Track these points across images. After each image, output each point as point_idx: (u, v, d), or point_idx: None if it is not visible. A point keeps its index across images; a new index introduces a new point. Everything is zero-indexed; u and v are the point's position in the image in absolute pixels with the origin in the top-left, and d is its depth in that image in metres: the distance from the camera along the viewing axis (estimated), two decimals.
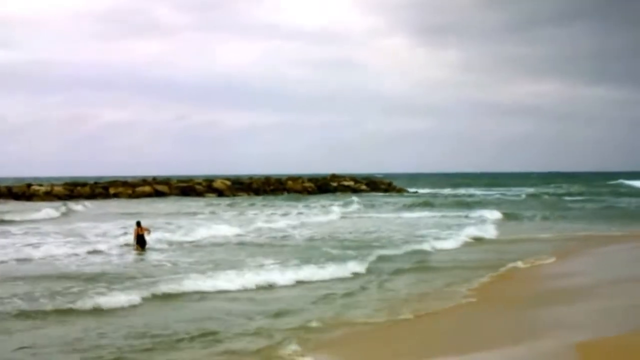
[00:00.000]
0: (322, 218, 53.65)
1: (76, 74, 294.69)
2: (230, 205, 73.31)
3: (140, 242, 33.40)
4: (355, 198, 79.21)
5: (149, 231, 34.50)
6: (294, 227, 45.08)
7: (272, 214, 58.79)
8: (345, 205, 68.49)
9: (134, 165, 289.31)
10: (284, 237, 39.25)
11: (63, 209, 61.09)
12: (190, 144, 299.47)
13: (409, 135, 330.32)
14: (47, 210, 57.88)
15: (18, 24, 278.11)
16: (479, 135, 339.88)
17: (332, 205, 67.79)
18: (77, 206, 65.97)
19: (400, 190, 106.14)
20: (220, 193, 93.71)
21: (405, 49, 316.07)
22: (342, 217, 55.48)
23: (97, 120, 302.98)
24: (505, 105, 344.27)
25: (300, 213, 59.59)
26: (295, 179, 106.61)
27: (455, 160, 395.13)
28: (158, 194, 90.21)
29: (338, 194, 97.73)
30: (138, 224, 34.21)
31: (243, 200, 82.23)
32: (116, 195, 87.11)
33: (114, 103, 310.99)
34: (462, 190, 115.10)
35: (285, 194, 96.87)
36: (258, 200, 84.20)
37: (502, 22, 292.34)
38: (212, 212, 61.12)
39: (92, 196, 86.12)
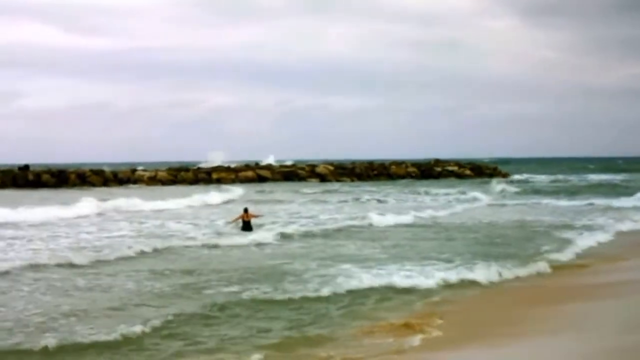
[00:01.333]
0: (468, 205, 50.83)
1: (181, 59, 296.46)
2: (340, 191, 70.74)
3: (246, 228, 33.02)
4: (500, 184, 75.82)
5: (256, 217, 34.65)
6: (451, 216, 42.73)
7: (400, 200, 56.42)
8: (485, 192, 64.55)
9: (238, 150, 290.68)
10: (461, 226, 36.45)
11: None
12: (293, 128, 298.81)
13: (516, 119, 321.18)
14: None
15: (122, 12, 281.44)
16: (590, 118, 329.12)
17: (459, 192, 64.81)
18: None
19: (505, 175, 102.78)
20: (322, 178, 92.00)
21: (513, 30, 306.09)
22: (489, 205, 52.08)
23: (202, 106, 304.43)
24: (616, 87, 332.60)
25: (434, 200, 57.68)
26: (398, 163, 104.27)
27: (564, 144, 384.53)
28: (260, 179, 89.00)
29: (442, 179, 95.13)
30: (245, 210, 34.20)
31: (353, 187, 79.89)
32: (219, 181, 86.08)
33: (219, 88, 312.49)
34: (591, 176, 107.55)
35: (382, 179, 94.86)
36: (368, 185, 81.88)
37: (613, 2, 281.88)
38: (343, 201, 57.65)
39: (194, 181, 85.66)
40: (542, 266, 22.85)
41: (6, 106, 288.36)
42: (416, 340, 14.17)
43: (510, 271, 21.86)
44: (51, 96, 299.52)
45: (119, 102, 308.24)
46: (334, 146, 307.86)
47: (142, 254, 25.80)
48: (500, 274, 21.35)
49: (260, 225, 34.81)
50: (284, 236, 31.04)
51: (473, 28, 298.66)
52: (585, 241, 29.22)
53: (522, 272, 22.01)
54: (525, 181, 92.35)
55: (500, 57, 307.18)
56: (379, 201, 56.89)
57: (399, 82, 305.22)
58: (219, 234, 32.65)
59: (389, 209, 46.26)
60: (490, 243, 29.13)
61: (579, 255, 26.02)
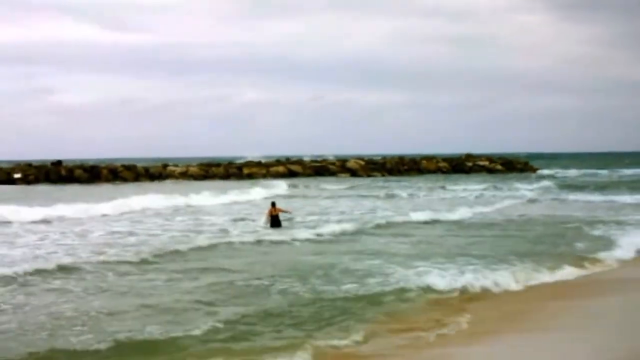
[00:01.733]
0: (510, 201, 49.18)
1: (216, 55, 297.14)
2: (373, 186, 69.96)
3: (275, 223, 32.60)
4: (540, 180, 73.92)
5: (285, 212, 34.04)
6: (499, 211, 41.85)
7: (443, 198, 54.62)
8: (525, 187, 63.45)
9: (272, 144, 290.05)
10: (523, 222, 35.46)
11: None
12: (325, 123, 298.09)
13: (548, 113, 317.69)
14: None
15: (156, 8, 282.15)
16: (621, 113, 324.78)
17: (494, 187, 64.21)
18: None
19: (535, 170, 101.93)
20: (353, 173, 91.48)
21: (545, 24, 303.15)
22: (530, 201, 50.57)
23: (234, 101, 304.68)
24: None
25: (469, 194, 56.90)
26: (429, 158, 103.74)
27: (595, 138, 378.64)
28: (291, 173, 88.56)
29: (473, 174, 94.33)
30: (273, 204, 33.62)
31: (386, 181, 79.18)
32: (250, 176, 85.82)
33: (252, 84, 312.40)
34: (627, 171, 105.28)
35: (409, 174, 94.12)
36: (400, 180, 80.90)
37: None
38: (389, 195, 57.13)
39: (226, 176, 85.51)
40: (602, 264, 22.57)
41: (40, 102, 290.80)
42: (445, 332, 14.43)
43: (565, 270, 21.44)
44: (84, 92, 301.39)
45: (152, 98, 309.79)
46: (365, 141, 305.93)
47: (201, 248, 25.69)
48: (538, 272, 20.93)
49: (293, 221, 34.56)
50: (334, 233, 30.34)
51: (505, 23, 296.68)
52: None
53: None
54: (563, 176, 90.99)
55: (532, 51, 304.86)
56: (412, 196, 56.31)
57: (430, 77, 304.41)
58: (255, 230, 32.06)
59: (427, 205, 45.47)
60: (551, 242, 28.01)
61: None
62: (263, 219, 33.52)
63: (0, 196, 53.72)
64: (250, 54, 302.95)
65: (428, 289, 18.35)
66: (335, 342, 13.57)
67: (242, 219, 36.69)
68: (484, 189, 63.38)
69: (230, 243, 27.05)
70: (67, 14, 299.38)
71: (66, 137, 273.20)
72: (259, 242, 27.53)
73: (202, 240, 27.33)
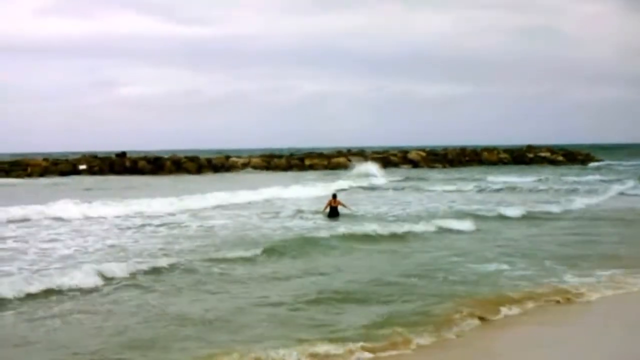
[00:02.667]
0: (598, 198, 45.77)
1: (276, 47, 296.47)
2: (449, 178, 66.78)
3: (333, 213, 32.73)
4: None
5: (345, 206, 33.57)
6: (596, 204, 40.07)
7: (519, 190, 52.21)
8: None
9: (332, 136, 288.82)
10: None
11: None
12: (385, 115, 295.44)
13: (612, 105, 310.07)
14: None
15: (218, 1, 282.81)
16: None
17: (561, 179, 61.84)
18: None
19: (598, 162, 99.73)
20: (415, 164, 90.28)
21: (609, 14, 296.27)
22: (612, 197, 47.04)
23: (295, 93, 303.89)
24: None
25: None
26: (490, 150, 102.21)
27: None
28: None
29: (534, 165, 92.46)
30: (334, 196, 33.98)
31: (447, 173, 77.82)
32: (311, 167, 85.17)
33: (312, 75, 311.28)
34: None
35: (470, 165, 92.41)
36: (460, 171, 79.63)
37: None
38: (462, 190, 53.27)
39: (288, 168, 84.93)
40: None
41: (104, 95, 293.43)
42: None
43: None
44: (147, 84, 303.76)
45: (213, 90, 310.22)
46: (425, 133, 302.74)
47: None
48: None
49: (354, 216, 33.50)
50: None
51: (568, 13, 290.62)
52: None
53: None
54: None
55: (595, 42, 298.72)
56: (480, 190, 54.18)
57: (492, 68, 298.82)
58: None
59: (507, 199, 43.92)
60: None
61: None
62: (324, 211, 33.34)
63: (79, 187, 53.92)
64: (310, 46, 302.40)
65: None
66: None
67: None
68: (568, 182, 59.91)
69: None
70: (129, 7, 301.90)
71: (129, 129, 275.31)
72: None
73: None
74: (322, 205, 34.37)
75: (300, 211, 35.25)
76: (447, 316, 14.29)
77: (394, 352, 12.24)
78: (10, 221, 30.70)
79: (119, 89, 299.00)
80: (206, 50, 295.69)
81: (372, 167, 70.97)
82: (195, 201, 39.06)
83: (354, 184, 56.97)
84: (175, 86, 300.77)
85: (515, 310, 15.20)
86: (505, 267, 20.01)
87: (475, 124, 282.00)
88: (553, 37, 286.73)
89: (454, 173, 76.75)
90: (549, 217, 33.90)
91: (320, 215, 32.89)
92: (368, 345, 12.32)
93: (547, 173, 72.70)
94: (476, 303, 15.35)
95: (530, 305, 15.65)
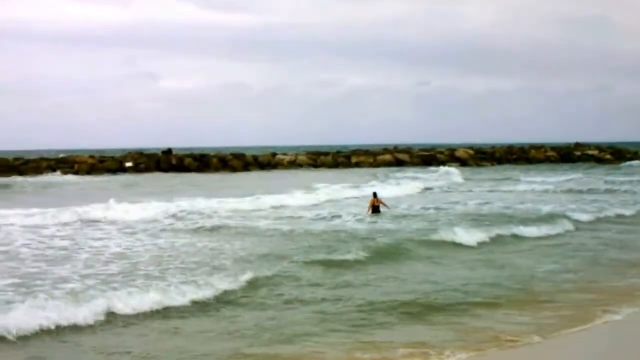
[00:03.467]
0: None
1: (319, 39, 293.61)
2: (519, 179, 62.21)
3: (375, 211, 32.86)
4: None
5: (385, 206, 33.67)
6: None
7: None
8: None
9: (377, 131, 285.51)
10: None
11: None
12: (430, 110, 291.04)
13: None
14: None
15: None
16: None
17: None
18: None
19: None
20: (462, 162, 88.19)
21: None
22: None
23: (339, 86, 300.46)
24: None
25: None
26: (538, 147, 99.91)
27: None
28: (399, 162, 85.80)
29: (580, 163, 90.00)
30: (374, 194, 34.27)
31: (498, 171, 75.66)
32: (357, 164, 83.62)
33: (357, 68, 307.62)
34: None
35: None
36: (513, 169, 77.36)
37: None
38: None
39: (334, 165, 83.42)
40: None
41: (148, 88, 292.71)
42: None
43: None
44: (188, 77, 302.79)
45: (257, 83, 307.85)
46: (471, 128, 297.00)
47: None
48: None
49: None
50: None
51: (622, 3, 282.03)
52: None
53: None
54: None
55: None
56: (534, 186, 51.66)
57: (541, 61, 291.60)
58: None
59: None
60: None
61: None
62: (367, 209, 33.26)
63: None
64: (354, 38, 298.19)
65: None
66: None
67: None
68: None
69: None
70: None
71: (172, 124, 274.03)
72: None
73: None
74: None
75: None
76: None
77: None
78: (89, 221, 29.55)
79: (159, 82, 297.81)
80: (247, 41, 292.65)
81: (451, 168, 69.89)
82: (271, 199, 38.77)
83: (437, 183, 55.14)
84: (215, 79, 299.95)
85: None
86: None
87: (521, 120, 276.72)
88: (605, 28, 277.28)
89: (515, 171, 73.97)
90: None
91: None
92: None
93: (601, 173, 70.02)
94: None
95: None
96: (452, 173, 64.85)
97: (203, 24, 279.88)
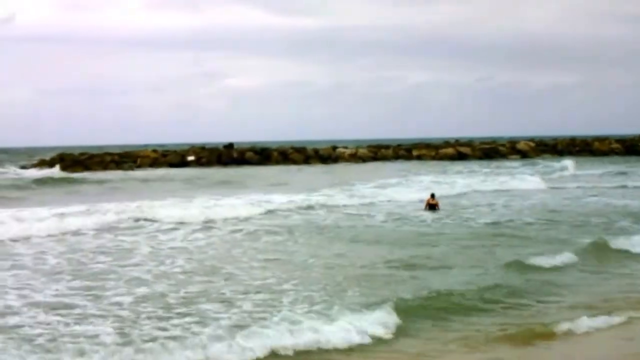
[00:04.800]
0: None
1: (382, 37, 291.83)
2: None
3: (432, 209, 32.60)
4: None
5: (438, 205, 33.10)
6: None
7: None
8: None
9: (439, 126, 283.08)
10: None
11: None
12: (492, 105, 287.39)
13: None
14: None
15: None
16: None
17: None
18: None
19: None
20: (524, 154, 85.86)
21: None
22: None
23: (403, 83, 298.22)
24: None
25: None
26: (602, 139, 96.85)
27: None
28: (461, 156, 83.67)
29: None
30: (432, 195, 33.67)
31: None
32: (419, 158, 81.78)
33: (417, 66, 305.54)
34: None
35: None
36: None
37: None
38: None
39: (395, 158, 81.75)
40: None
41: (213, 86, 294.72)
42: None
43: None
44: (252, 76, 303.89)
45: (319, 81, 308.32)
46: (534, 122, 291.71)
47: None
48: None
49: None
50: None
51: None
52: None
53: None
54: None
55: None
56: None
57: (603, 56, 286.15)
58: None
59: None
60: None
61: None
62: (425, 207, 32.91)
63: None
64: (417, 36, 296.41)
65: None
66: None
67: None
68: None
69: None
70: (239, 0, 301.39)
71: (234, 120, 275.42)
72: None
73: None
74: None
75: None
76: None
77: None
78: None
79: (224, 81, 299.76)
80: (309, 42, 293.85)
81: (567, 162, 66.03)
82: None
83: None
84: (279, 77, 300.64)
85: None
86: None
87: (585, 114, 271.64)
88: None
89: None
90: None
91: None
92: None
93: None
94: None
95: None
96: (568, 166, 61.50)
97: (267, 27, 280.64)
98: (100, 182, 52.60)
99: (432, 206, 32.63)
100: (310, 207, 32.65)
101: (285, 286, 15.70)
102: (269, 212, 30.79)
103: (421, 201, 33.78)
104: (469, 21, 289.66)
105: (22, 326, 12.45)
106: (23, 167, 73.24)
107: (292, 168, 69.49)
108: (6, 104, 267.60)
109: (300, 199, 34.73)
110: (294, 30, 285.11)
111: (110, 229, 25.55)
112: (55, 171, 65.61)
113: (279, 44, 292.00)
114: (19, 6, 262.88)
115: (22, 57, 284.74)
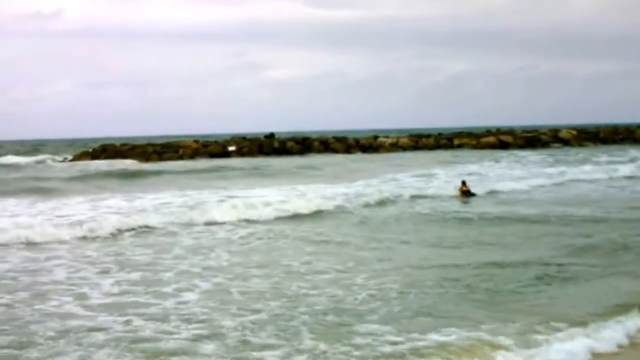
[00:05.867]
0: None
1: (422, 28, 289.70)
2: None
3: (467, 195, 32.53)
4: None
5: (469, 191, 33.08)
6: None
7: None
8: None
9: (481, 115, 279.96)
10: None
11: None
12: (535, 93, 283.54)
13: None
14: None
15: None
16: None
17: None
18: None
19: None
20: (566, 143, 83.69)
21: None
22: None
23: (444, 73, 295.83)
24: None
25: None
26: None
27: None
28: (502, 144, 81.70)
29: None
30: (463, 182, 33.74)
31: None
32: (460, 146, 80.00)
33: (461, 55, 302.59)
34: None
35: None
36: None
37: None
38: None
39: (436, 147, 79.99)
40: None
41: (254, 78, 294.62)
42: None
43: None
44: (295, 67, 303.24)
45: (360, 71, 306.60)
46: (576, 111, 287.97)
47: None
48: None
49: None
50: None
51: None
52: None
53: None
54: None
55: None
56: None
57: None
58: None
59: None
60: None
61: None
62: (459, 194, 32.67)
63: None
64: (457, 25, 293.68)
65: None
66: None
67: None
68: None
69: None
70: None
71: (277, 111, 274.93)
72: None
73: None
74: None
75: None
76: None
77: None
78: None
79: (265, 72, 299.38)
80: (350, 33, 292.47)
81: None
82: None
83: None
84: (319, 68, 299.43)
85: None
86: None
87: (627, 102, 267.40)
88: None
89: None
90: None
91: None
92: None
93: None
94: None
95: None
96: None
97: (308, 19, 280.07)
98: (162, 173, 50.22)
99: (465, 192, 32.41)
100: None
101: None
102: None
103: None
104: (511, 10, 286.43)
105: None
106: (64, 160, 72.70)
107: (336, 157, 67.93)
108: (49, 97, 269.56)
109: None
110: (335, 22, 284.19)
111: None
112: (117, 162, 64.32)
113: (320, 35, 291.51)
114: (66, 1, 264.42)
115: (67, 51, 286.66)
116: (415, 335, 10.78)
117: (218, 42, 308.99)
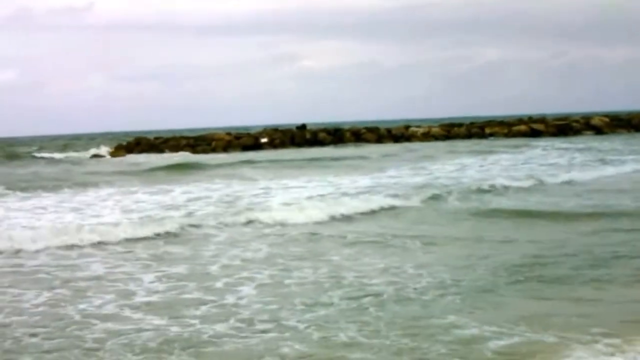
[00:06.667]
0: None
1: (453, 16, 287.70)
2: None
3: None
4: None
5: None
6: None
7: None
8: None
9: (513, 103, 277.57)
10: None
11: None
12: (568, 81, 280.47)
13: None
14: None
15: None
16: None
17: None
18: None
19: None
20: (598, 130, 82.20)
21: None
22: None
23: (476, 61, 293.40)
24: None
25: None
26: None
27: None
28: (534, 132, 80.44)
29: None
30: None
31: None
32: (492, 135, 78.85)
33: (491, 42, 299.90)
34: None
35: None
36: None
37: None
38: None
39: (467, 136, 78.90)
40: None
41: (285, 69, 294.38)
42: None
43: None
44: (326, 57, 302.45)
45: (391, 60, 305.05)
46: (609, 98, 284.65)
47: None
48: None
49: None
50: None
51: None
52: None
53: None
54: None
55: None
56: None
57: None
58: None
59: None
60: None
61: None
62: None
63: None
64: (489, 13, 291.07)
65: None
66: None
67: None
68: None
69: None
70: None
71: (310, 101, 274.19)
72: None
73: None
74: None
75: None
76: None
77: None
78: None
79: (300, 62, 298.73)
80: (380, 22, 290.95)
81: None
82: None
83: None
84: (350, 58, 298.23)
85: None
86: None
87: None
88: None
89: None
90: None
91: None
92: None
93: None
94: None
95: None
96: None
97: (338, 8, 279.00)
98: (222, 165, 49.10)
99: None
100: None
101: None
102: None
103: None
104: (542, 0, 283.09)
105: None
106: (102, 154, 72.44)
107: (369, 148, 67.19)
108: (81, 91, 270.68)
109: None
110: (364, 11, 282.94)
111: None
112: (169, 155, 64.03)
113: (350, 24, 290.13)
114: None
115: (98, 45, 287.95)
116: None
117: (249, 33, 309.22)
